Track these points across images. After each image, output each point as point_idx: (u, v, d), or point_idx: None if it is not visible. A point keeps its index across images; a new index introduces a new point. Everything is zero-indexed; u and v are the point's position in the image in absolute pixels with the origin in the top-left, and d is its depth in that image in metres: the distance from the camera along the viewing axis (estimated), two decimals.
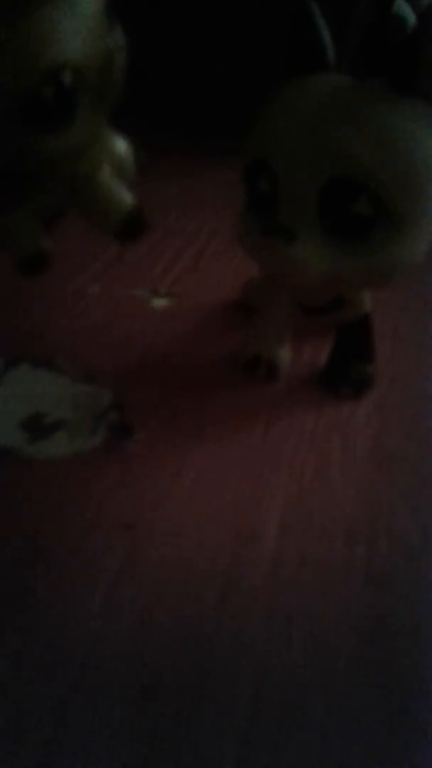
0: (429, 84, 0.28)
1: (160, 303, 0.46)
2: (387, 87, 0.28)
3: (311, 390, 0.39)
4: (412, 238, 0.29)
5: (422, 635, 0.26)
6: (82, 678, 0.25)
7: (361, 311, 0.37)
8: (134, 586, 0.28)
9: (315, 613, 0.27)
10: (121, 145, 0.40)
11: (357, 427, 0.36)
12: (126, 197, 0.38)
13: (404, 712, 0.24)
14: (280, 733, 0.23)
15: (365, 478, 0.33)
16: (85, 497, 0.32)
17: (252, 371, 0.40)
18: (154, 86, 0.68)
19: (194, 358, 0.41)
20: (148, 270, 0.49)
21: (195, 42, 0.68)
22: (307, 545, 0.30)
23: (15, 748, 0.23)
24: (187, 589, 0.28)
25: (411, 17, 0.29)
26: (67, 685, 0.24)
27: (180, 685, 0.25)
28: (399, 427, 0.37)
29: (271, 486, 0.33)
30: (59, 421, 0.35)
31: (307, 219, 0.29)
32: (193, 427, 0.36)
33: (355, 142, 0.27)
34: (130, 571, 0.28)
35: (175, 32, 0.68)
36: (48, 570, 0.28)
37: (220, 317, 0.45)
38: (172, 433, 0.36)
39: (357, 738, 0.23)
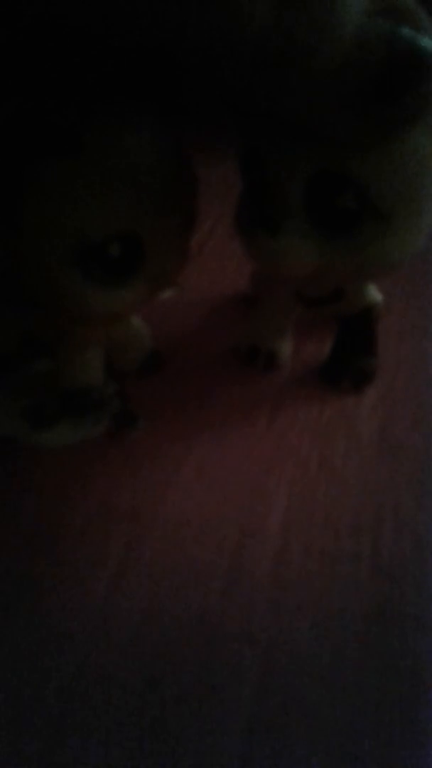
0: None
1: (163, 294, 0.46)
2: None
3: (316, 381, 0.39)
4: (402, 235, 0.29)
5: (430, 625, 0.26)
6: (87, 667, 0.25)
7: (362, 304, 0.37)
8: (138, 574, 0.28)
9: (321, 603, 0.27)
10: None
11: (362, 417, 0.36)
12: (147, 336, 0.38)
13: (412, 702, 0.24)
14: (285, 725, 0.23)
15: (371, 467, 0.33)
16: (89, 485, 0.32)
17: (250, 362, 0.39)
18: None
19: (198, 348, 0.41)
20: None
21: None
22: (313, 535, 0.30)
23: (19, 736, 0.22)
24: (191, 579, 0.28)
25: None
26: (72, 674, 0.24)
27: (185, 676, 0.24)
28: (404, 416, 0.36)
29: (275, 476, 0.33)
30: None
31: (293, 211, 0.28)
32: (197, 416, 0.36)
33: None
34: (135, 560, 0.28)
35: None
36: (52, 558, 0.28)
37: (224, 308, 0.45)
38: (176, 423, 0.35)
39: (363, 729, 0.23)
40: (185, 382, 0.38)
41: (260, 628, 0.26)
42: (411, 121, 0.26)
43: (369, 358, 0.39)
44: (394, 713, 0.23)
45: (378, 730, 0.23)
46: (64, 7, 0.23)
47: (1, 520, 0.30)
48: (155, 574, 0.28)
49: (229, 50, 0.23)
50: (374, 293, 0.38)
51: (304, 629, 0.26)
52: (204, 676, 0.24)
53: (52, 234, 0.27)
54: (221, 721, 0.23)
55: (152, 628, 0.26)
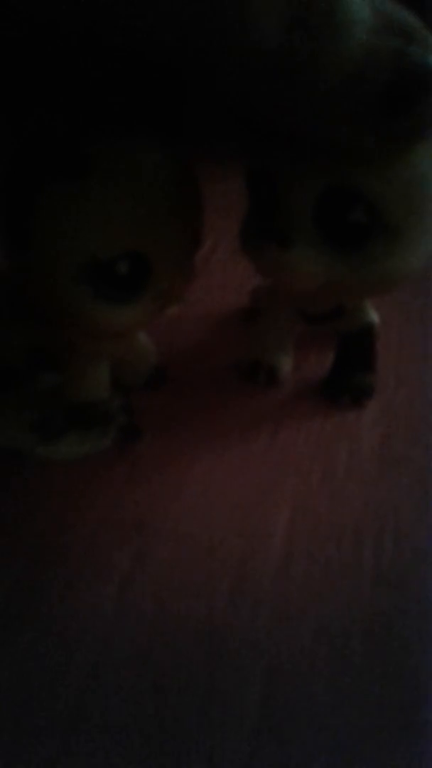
0: None
1: (168, 309, 0.46)
2: None
3: (317, 396, 0.39)
4: (410, 250, 0.29)
5: (430, 632, 0.27)
6: (95, 675, 0.25)
7: (363, 321, 0.37)
8: (145, 584, 0.28)
9: (323, 612, 0.27)
10: None
11: (363, 431, 0.37)
12: (152, 352, 0.39)
13: (413, 710, 0.24)
14: (289, 730, 0.23)
15: (372, 480, 0.34)
16: (96, 498, 0.32)
17: (252, 377, 0.40)
18: None
19: (201, 363, 0.42)
20: None
21: None
22: (315, 546, 0.30)
23: (27, 742, 0.23)
24: (197, 589, 0.28)
25: None
26: (80, 682, 0.25)
27: (191, 683, 0.25)
28: (404, 430, 0.37)
29: (278, 488, 0.33)
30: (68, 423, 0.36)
31: (303, 225, 0.29)
32: (201, 430, 0.37)
33: None
34: (141, 570, 0.29)
35: None
36: (60, 569, 0.29)
37: (226, 324, 0.46)
38: (180, 437, 0.36)
39: (366, 736, 0.23)
40: (189, 397, 0.39)
41: (264, 636, 0.26)
42: (419, 137, 0.27)
43: (368, 374, 0.39)
44: (396, 718, 0.24)
45: (380, 735, 0.23)
46: (74, 27, 0.23)
47: (10, 530, 0.30)
48: (161, 584, 0.28)
49: (239, 70, 0.24)
50: (371, 314, 0.38)
51: (307, 637, 0.26)
52: (210, 683, 0.25)
53: (61, 253, 0.27)
54: (227, 727, 0.23)
55: (159, 636, 0.26)
